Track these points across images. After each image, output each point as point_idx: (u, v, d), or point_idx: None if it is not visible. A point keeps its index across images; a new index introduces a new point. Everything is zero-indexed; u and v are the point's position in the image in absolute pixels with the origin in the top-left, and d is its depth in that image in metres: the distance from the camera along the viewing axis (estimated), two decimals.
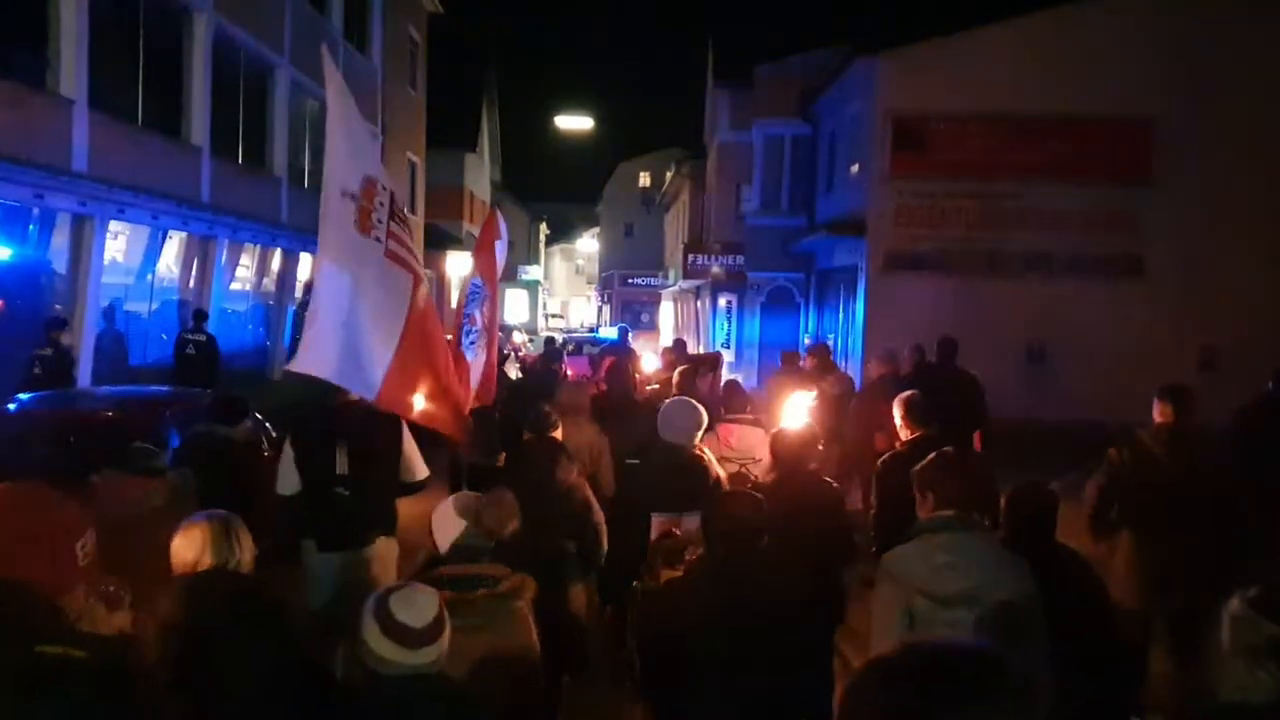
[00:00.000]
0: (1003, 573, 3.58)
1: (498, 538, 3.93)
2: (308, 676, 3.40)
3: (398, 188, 28.73)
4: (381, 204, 5.24)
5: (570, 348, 25.62)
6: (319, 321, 4.84)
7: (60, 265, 13.17)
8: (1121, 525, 5.67)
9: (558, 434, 5.88)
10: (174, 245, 16.48)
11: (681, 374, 8.51)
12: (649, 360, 12.76)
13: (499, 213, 8.55)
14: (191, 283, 16.46)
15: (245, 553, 3.53)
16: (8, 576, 2.13)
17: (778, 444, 5.41)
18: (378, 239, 5.15)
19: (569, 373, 13.08)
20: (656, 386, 10.21)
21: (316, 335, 4.83)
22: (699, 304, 34.66)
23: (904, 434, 5.83)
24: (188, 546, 3.46)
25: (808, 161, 24.41)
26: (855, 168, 20.32)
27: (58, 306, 12.56)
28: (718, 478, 5.56)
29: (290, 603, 4.32)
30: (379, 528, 5.48)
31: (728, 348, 27.87)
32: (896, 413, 5.88)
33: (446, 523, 3.91)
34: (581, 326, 57.78)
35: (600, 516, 5.44)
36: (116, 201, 13.17)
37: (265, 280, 20.50)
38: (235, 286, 19.35)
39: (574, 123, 39.05)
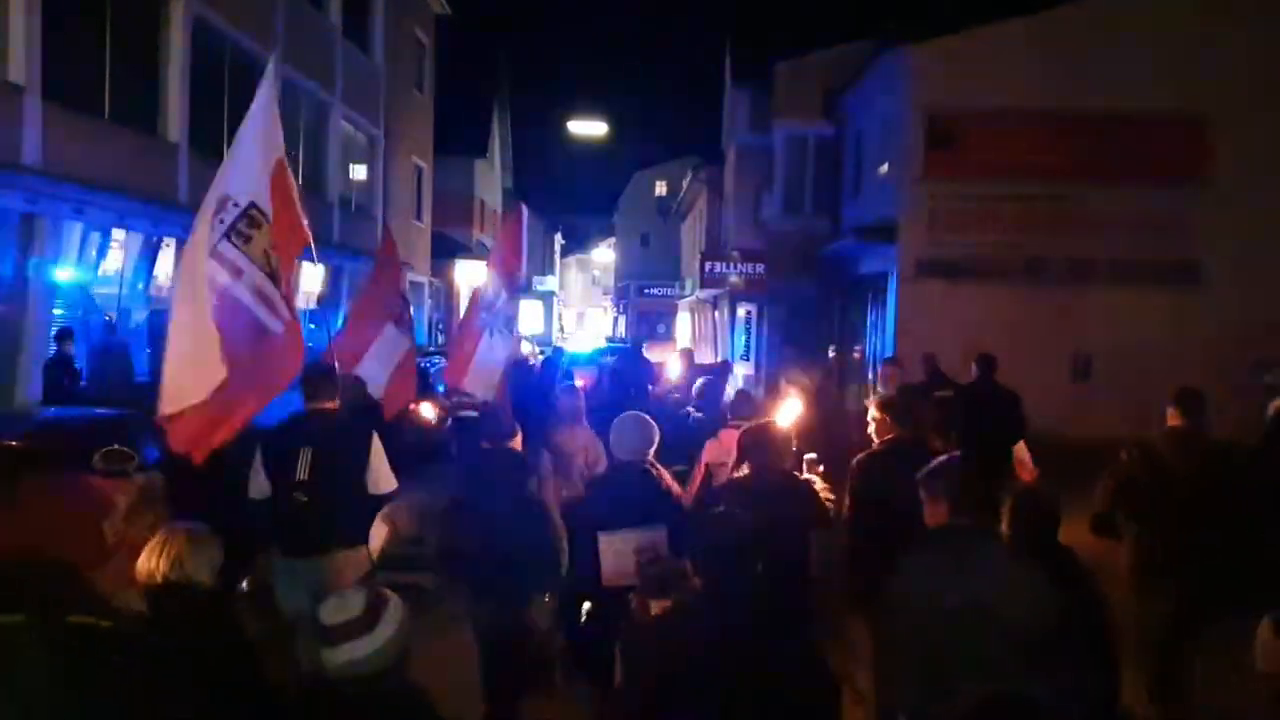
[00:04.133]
0: (1017, 585, 3.53)
1: (412, 539, 3.99)
2: (262, 691, 3.44)
3: (403, 193, 27.97)
4: (221, 221, 5.41)
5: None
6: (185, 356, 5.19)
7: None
8: (1128, 525, 5.83)
9: (516, 443, 5.88)
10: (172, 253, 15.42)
11: (706, 383, 8.74)
12: (672, 367, 12.68)
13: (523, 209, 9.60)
14: (166, 290, 15.26)
15: (206, 565, 3.59)
16: (41, 555, 2.40)
17: (747, 439, 5.53)
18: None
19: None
20: (677, 395, 10.32)
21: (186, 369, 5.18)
22: (717, 314, 33.71)
23: (880, 434, 5.80)
24: (147, 556, 3.55)
25: (832, 163, 23.32)
26: (884, 169, 19.18)
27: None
28: (669, 490, 5.42)
29: (250, 615, 4.45)
30: (339, 537, 5.47)
31: (747, 359, 26.95)
32: (873, 413, 5.90)
33: (375, 534, 4.12)
34: (599, 337, 56.90)
35: (561, 530, 5.39)
36: (71, 200, 11.97)
37: None
38: None
39: (588, 128, 38.18)
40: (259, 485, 5.56)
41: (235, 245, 5.33)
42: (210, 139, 16.78)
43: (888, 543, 5.12)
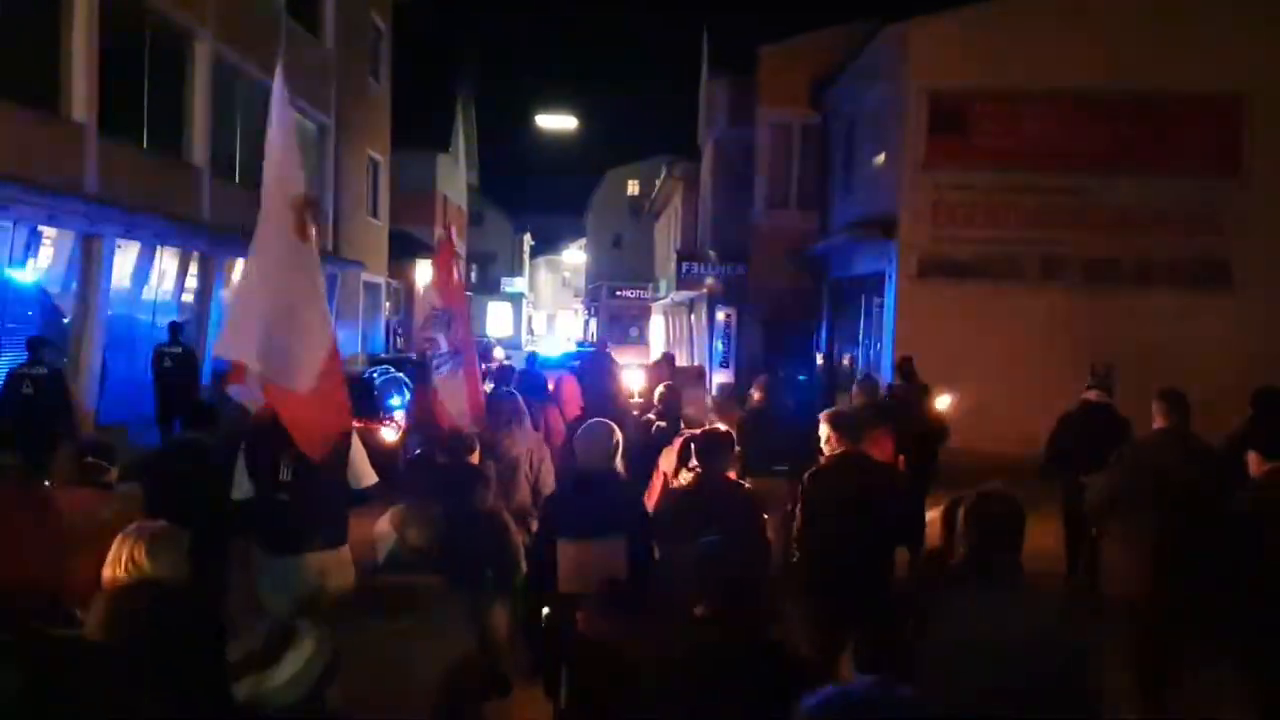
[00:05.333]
0: (1035, 631, 3.58)
1: (422, 550, 4.11)
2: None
3: (357, 187, 26.14)
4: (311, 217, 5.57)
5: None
6: (244, 313, 5.31)
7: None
8: (1119, 522, 6.11)
9: (474, 458, 6.20)
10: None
11: (668, 389, 8.88)
12: (634, 376, 12.50)
13: (454, 232, 10.00)
14: (75, 288, 13.41)
15: (168, 563, 3.57)
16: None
17: (697, 444, 5.75)
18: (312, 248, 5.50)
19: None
20: (640, 400, 10.48)
21: (241, 324, 5.30)
22: (693, 318, 32.15)
23: (830, 449, 5.93)
24: (113, 560, 3.56)
25: (820, 155, 21.88)
26: (880, 158, 17.71)
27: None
28: (633, 498, 5.63)
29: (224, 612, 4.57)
30: (320, 536, 5.59)
31: (726, 367, 25.32)
32: (823, 428, 6.01)
33: (382, 535, 4.08)
34: (568, 341, 55.74)
35: (518, 541, 5.63)
36: None
37: (185, 289, 17.39)
38: (148, 296, 16.38)
39: (557, 122, 36.78)
40: (241, 486, 5.70)
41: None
42: (125, 121, 14.97)
43: (837, 557, 5.42)
